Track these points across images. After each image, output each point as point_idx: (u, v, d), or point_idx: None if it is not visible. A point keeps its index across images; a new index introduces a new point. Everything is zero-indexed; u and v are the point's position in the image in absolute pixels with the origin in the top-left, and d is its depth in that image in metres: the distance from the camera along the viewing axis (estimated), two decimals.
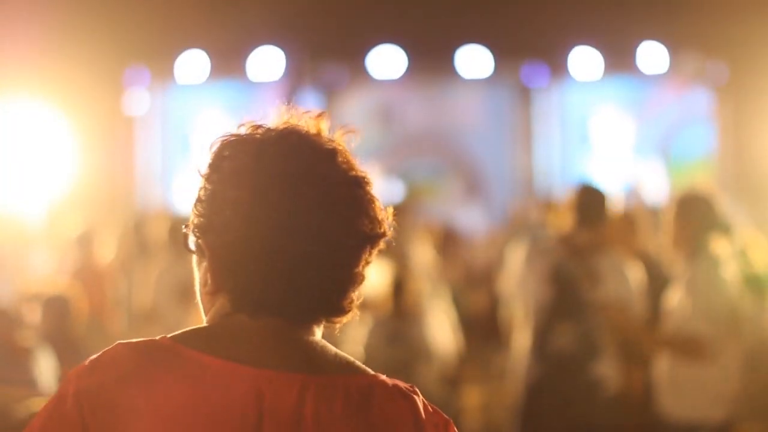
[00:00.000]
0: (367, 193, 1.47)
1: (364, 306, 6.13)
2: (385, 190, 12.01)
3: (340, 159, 1.47)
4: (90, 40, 9.82)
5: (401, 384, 1.46)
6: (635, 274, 4.99)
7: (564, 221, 5.04)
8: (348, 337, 6.62)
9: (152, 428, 1.38)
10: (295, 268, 1.42)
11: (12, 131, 9.45)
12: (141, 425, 1.38)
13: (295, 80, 11.29)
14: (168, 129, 12.05)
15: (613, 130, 12.15)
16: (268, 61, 10.92)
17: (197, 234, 1.47)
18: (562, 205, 5.25)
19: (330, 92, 12.03)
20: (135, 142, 11.62)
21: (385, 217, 1.49)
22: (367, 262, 1.49)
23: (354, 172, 1.47)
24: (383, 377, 1.46)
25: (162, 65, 11.05)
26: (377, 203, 1.48)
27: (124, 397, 1.39)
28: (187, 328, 1.47)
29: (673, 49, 10.76)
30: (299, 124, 1.49)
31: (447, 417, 1.47)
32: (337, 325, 1.51)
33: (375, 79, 11.45)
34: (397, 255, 7.12)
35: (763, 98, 10.06)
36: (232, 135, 1.47)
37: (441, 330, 6.68)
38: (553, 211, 8.77)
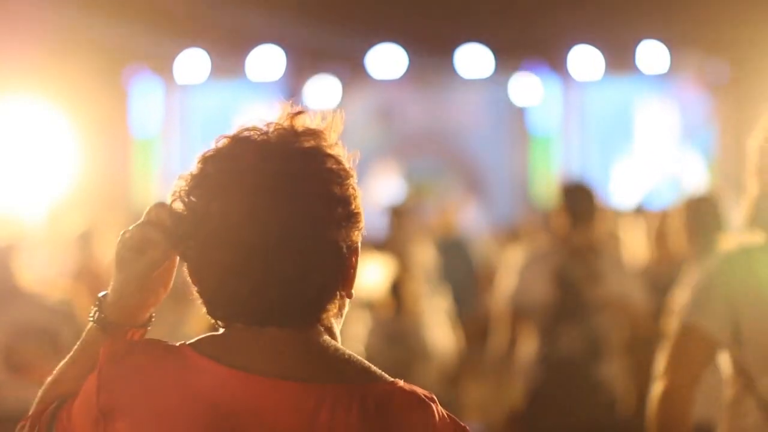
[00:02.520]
0: (344, 187, 1.45)
1: (364, 306, 6.14)
2: (385, 190, 12.01)
3: (316, 157, 1.44)
4: (90, 39, 9.83)
5: (419, 391, 1.44)
6: (634, 271, 4.99)
7: (558, 223, 5.02)
8: (348, 337, 6.61)
9: (160, 430, 1.38)
10: (254, 281, 1.40)
11: (12, 131, 9.45)
12: (149, 426, 1.39)
13: (295, 79, 11.28)
14: (168, 128, 12.05)
15: (615, 129, 12.14)
16: (268, 60, 10.91)
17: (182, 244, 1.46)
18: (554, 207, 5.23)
19: (330, 91, 12.01)
20: (135, 141, 11.62)
21: (362, 210, 1.47)
22: (346, 258, 1.46)
23: (331, 169, 1.44)
24: (401, 383, 1.44)
25: (162, 64, 11.05)
26: (356, 196, 1.46)
27: (137, 397, 1.40)
28: (204, 335, 1.46)
29: (674, 48, 10.76)
30: (279, 122, 1.47)
31: (463, 425, 1.46)
32: (327, 322, 1.48)
33: (375, 79, 11.45)
34: (397, 255, 7.11)
35: (764, 98, 10.05)
36: (203, 153, 1.47)
37: (441, 330, 6.67)
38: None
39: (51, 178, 9.66)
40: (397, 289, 6.50)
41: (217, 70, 11.01)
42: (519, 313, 4.95)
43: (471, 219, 11.63)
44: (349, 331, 6.70)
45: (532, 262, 4.89)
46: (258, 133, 1.45)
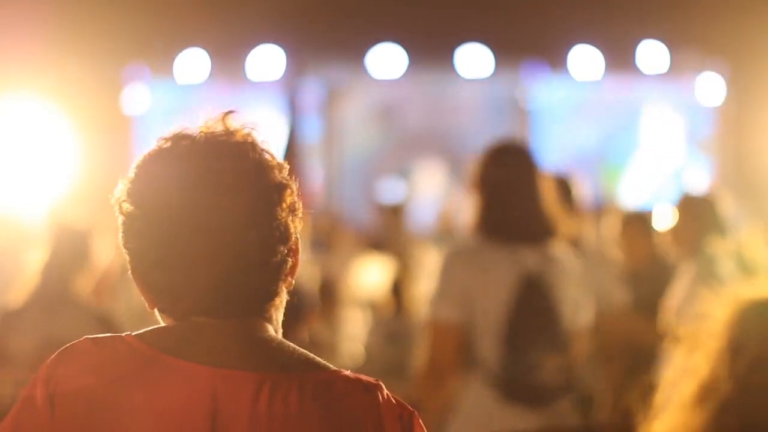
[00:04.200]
0: (279, 179, 1.49)
1: (364, 306, 6.07)
2: (385, 189, 12.01)
3: (247, 152, 1.49)
4: (90, 39, 9.82)
5: (364, 378, 1.46)
6: (608, 269, 4.91)
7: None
8: (348, 337, 6.61)
9: (110, 424, 1.41)
10: (220, 271, 1.44)
11: (11, 131, 9.44)
12: (99, 420, 1.41)
13: (295, 79, 11.28)
14: (168, 128, 12.04)
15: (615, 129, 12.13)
16: (268, 60, 10.92)
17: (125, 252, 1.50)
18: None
19: (330, 91, 12.02)
20: (135, 141, 11.62)
21: (299, 200, 1.51)
22: (289, 248, 1.50)
23: (264, 162, 1.49)
24: (346, 372, 1.47)
25: (162, 63, 11.05)
26: (291, 188, 1.50)
27: (86, 391, 1.42)
28: (150, 327, 1.50)
29: (674, 47, 10.76)
30: (210, 125, 1.51)
31: (412, 409, 1.47)
32: (272, 314, 1.51)
33: (375, 78, 11.45)
34: (397, 255, 7.11)
35: (764, 98, 10.06)
36: (141, 156, 1.52)
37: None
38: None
39: (51, 178, 9.65)
40: (397, 289, 6.50)
41: (217, 70, 11.01)
42: None
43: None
44: (348, 331, 6.70)
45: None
46: (196, 132, 1.51)
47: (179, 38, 10.69)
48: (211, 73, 10.98)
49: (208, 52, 10.85)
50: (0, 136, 9.39)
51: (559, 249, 3.78)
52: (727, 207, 4.71)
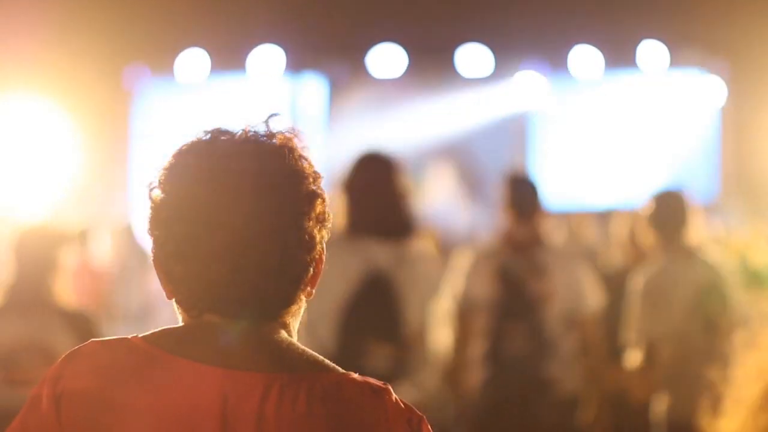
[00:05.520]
0: (311, 187, 1.49)
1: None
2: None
3: (284, 157, 1.48)
4: (90, 39, 9.83)
5: (372, 381, 1.46)
6: (581, 266, 4.88)
7: (504, 218, 4.92)
8: None
9: (117, 424, 1.40)
10: (237, 269, 1.44)
11: (12, 130, 9.44)
12: (108, 423, 1.40)
13: (295, 79, 11.28)
14: (169, 128, 12.04)
15: (613, 129, 12.13)
16: (268, 60, 10.91)
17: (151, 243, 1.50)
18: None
19: (330, 91, 12.01)
20: (135, 141, 11.62)
21: (329, 211, 1.51)
22: (312, 257, 1.50)
23: (298, 169, 1.49)
24: (354, 375, 1.46)
25: (162, 63, 11.05)
26: (322, 198, 1.50)
27: (93, 392, 1.42)
28: (158, 329, 1.49)
29: (674, 47, 10.75)
30: (252, 125, 1.51)
31: (421, 413, 1.47)
32: (287, 320, 1.50)
33: (375, 79, 11.44)
34: None
35: (764, 98, 10.06)
36: (179, 146, 1.53)
37: (441, 330, 6.67)
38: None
39: (52, 178, 9.66)
40: None
41: (218, 69, 11.01)
42: (466, 314, 4.86)
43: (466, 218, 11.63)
44: None
45: (478, 261, 4.79)
46: (237, 130, 1.51)
47: (179, 38, 10.69)
48: (211, 73, 10.98)
49: (208, 52, 10.85)
50: (0, 135, 9.39)
51: (417, 248, 4.25)
52: (733, 203, 4.72)
